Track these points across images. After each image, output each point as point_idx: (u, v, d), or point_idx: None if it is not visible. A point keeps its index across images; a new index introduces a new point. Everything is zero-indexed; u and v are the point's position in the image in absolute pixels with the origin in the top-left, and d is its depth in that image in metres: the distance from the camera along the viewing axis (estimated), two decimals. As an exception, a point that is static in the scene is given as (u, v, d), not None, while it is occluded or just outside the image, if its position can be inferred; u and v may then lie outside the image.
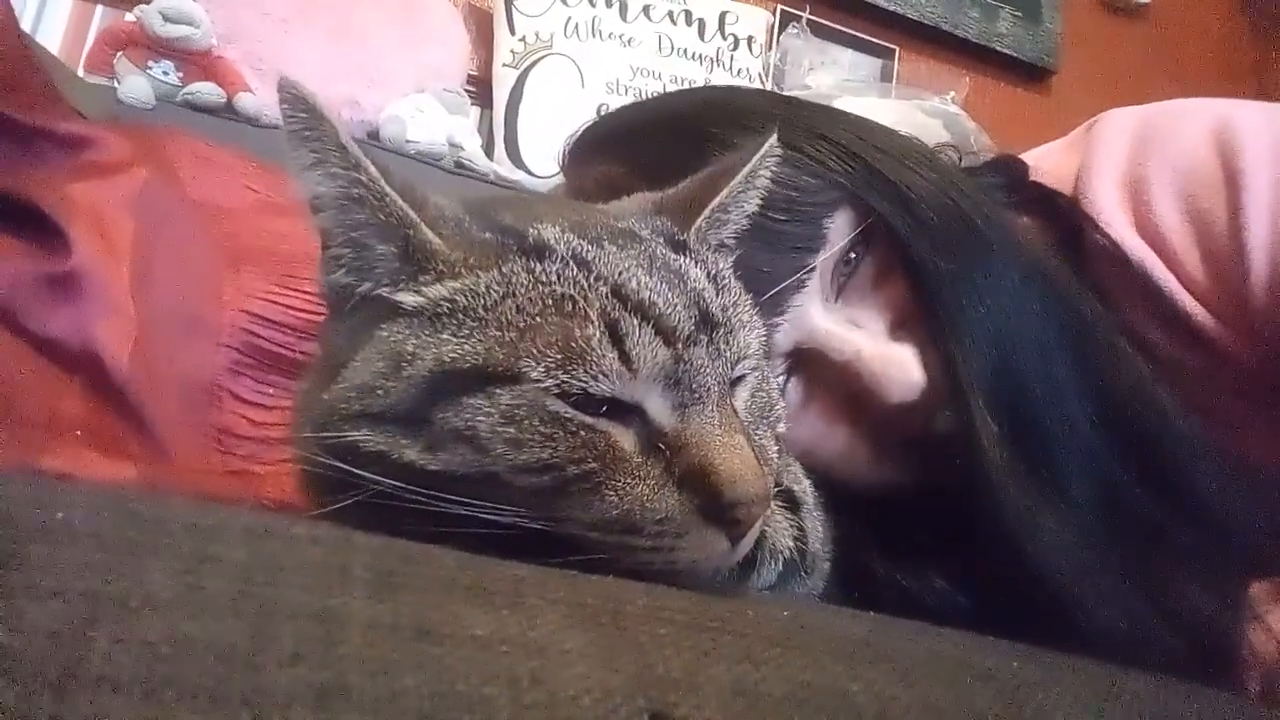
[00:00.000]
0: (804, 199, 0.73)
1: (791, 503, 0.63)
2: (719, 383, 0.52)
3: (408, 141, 2.08)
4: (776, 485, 0.59)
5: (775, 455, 0.59)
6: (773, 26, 2.82)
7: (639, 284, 0.51)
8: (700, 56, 2.62)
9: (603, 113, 0.99)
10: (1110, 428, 0.74)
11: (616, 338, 0.49)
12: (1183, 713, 0.50)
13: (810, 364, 0.76)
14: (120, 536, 0.34)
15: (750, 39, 2.68)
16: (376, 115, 2.12)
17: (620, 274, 0.52)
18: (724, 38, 2.65)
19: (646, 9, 2.57)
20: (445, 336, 0.50)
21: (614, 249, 0.54)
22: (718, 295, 0.55)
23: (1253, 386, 0.84)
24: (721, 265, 0.60)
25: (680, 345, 0.51)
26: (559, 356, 0.48)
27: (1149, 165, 0.85)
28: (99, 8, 2.14)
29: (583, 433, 0.49)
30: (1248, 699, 0.71)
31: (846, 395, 0.77)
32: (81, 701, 0.27)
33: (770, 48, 2.79)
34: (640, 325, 0.50)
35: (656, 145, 0.81)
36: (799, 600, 0.61)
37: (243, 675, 0.29)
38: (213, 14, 1.97)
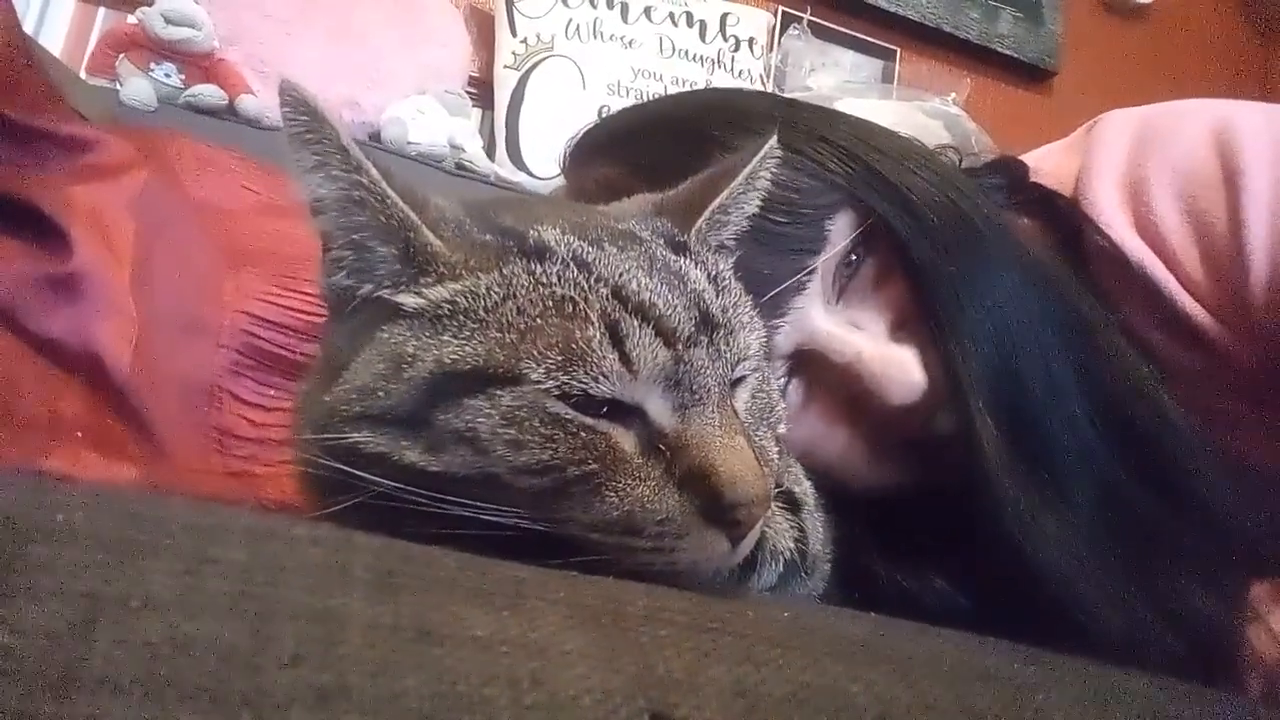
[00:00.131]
0: (804, 201, 0.73)
1: (792, 504, 0.63)
2: (719, 384, 0.52)
3: (409, 143, 2.09)
4: (777, 486, 0.59)
5: (776, 456, 0.59)
6: (774, 28, 2.83)
7: (639, 285, 0.52)
8: (701, 58, 2.62)
9: (604, 114, 0.99)
10: (1110, 428, 0.74)
11: (617, 339, 0.49)
12: (1183, 713, 0.50)
13: (811, 365, 0.76)
14: (120, 537, 0.34)
15: (751, 40, 2.68)
16: (378, 117, 2.12)
17: (620, 275, 0.52)
18: (725, 39, 2.65)
19: (648, 11, 2.57)
20: (446, 338, 0.50)
21: (614, 250, 0.54)
22: (718, 296, 0.55)
23: (1252, 387, 0.84)
24: (722, 266, 0.60)
25: (680, 346, 0.51)
26: (559, 358, 0.48)
27: (1149, 166, 0.85)
28: (101, 10, 2.14)
29: (583, 434, 0.49)
30: (1249, 700, 0.71)
31: (847, 397, 0.77)
32: (82, 702, 0.27)
33: (771, 49, 2.79)
34: (640, 326, 0.50)
35: (657, 147, 0.81)
36: (799, 601, 0.61)
37: (243, 676, 0.29)
38: (214, 16, 1.97)
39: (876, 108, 2.46)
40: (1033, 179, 0.95)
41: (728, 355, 0.53)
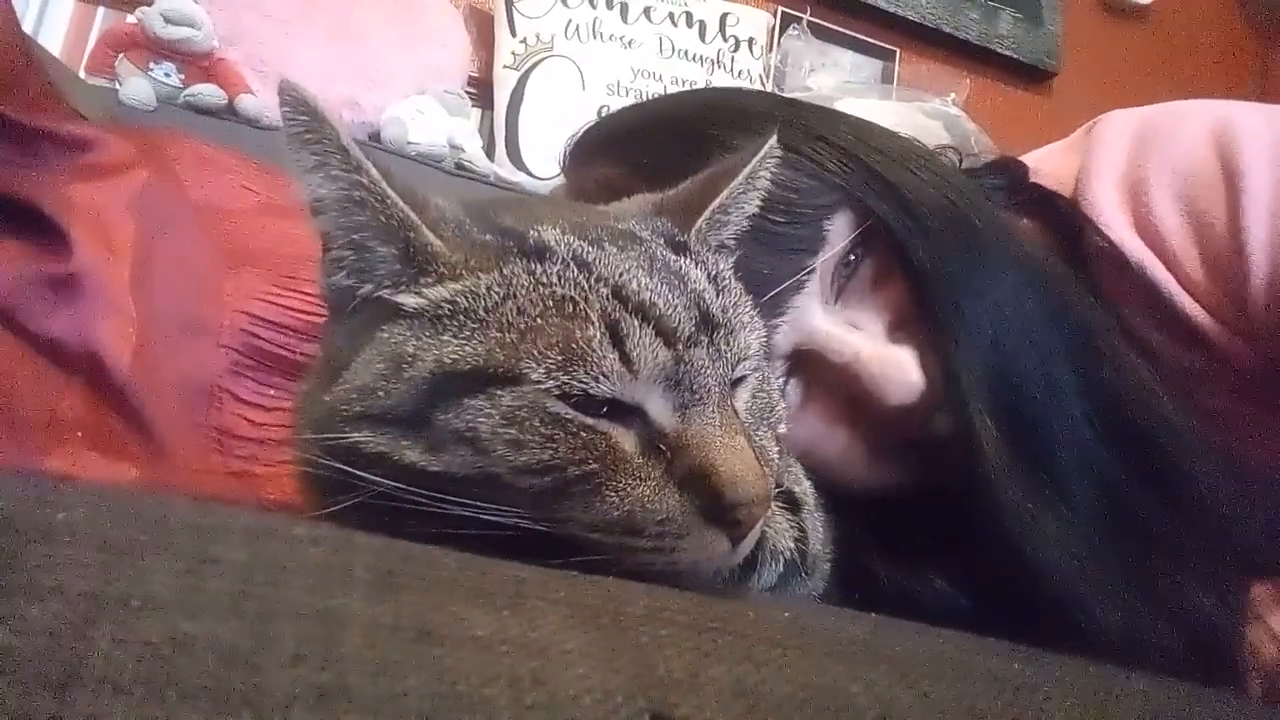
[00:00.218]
0: (803, 201, 0.73)
1: (792, 504, 0.63)
2: (719, 383, 0.52)
3: (408, 143, 2.09)
4: (777, 486, 0.59)
5: (776, 456, 0.59)
6: (773, 28, 2.82)
7: (639, 285, 0.52)
8: (701, 58, 2.62)
9: (604, 114, 0.99)
10: (1109, 429, 0.74)
11: (617, 339, 0.49)
12: (1183, 713, 0.50)
13: (809, 365, 0.76)
14: (121, 537, 0.34)
15: (751, 41, 2.68)
16: (377, 117, 2.12)
17: (621, 275, 0.52)
18: (724, 39, 2.65)
19: (647, 11, 2.57)
20: (446, 338, 0.50)
21: (614, 250, 0.54)
22: (718, 296, 0.55)
23: (1252, 387, 0.84)
24: (722, 266, 0.60)
25: (681, 346, 0.51)
26: (560, 358, 0.48)
27: (1149, 167, 0.85)
28: (100, 10, 2.14)
29: (583, 434, 0.49)
30: (1249, 700, 0.71)
31: (846, 397, 0.77)
32: (82, 702, 0.27)
33: (771, 49, 2.79)
34: (641, 326, 0.50)
35: (656, 147, 0.81)
36: (799, 601, 0.61)
37: (244, 676, 0.29)
38: (214, 16, 1.97)
39: (876, 108, 2.46)
40: (1032, 179, 0.95)
41: (728, 355, 0.53)
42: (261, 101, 1.93)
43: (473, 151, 2.21)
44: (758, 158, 0.63)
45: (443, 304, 0.51)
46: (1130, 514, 0.73)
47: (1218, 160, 0.81)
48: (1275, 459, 0.83)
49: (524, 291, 0.50)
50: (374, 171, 0.51)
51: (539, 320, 0.49)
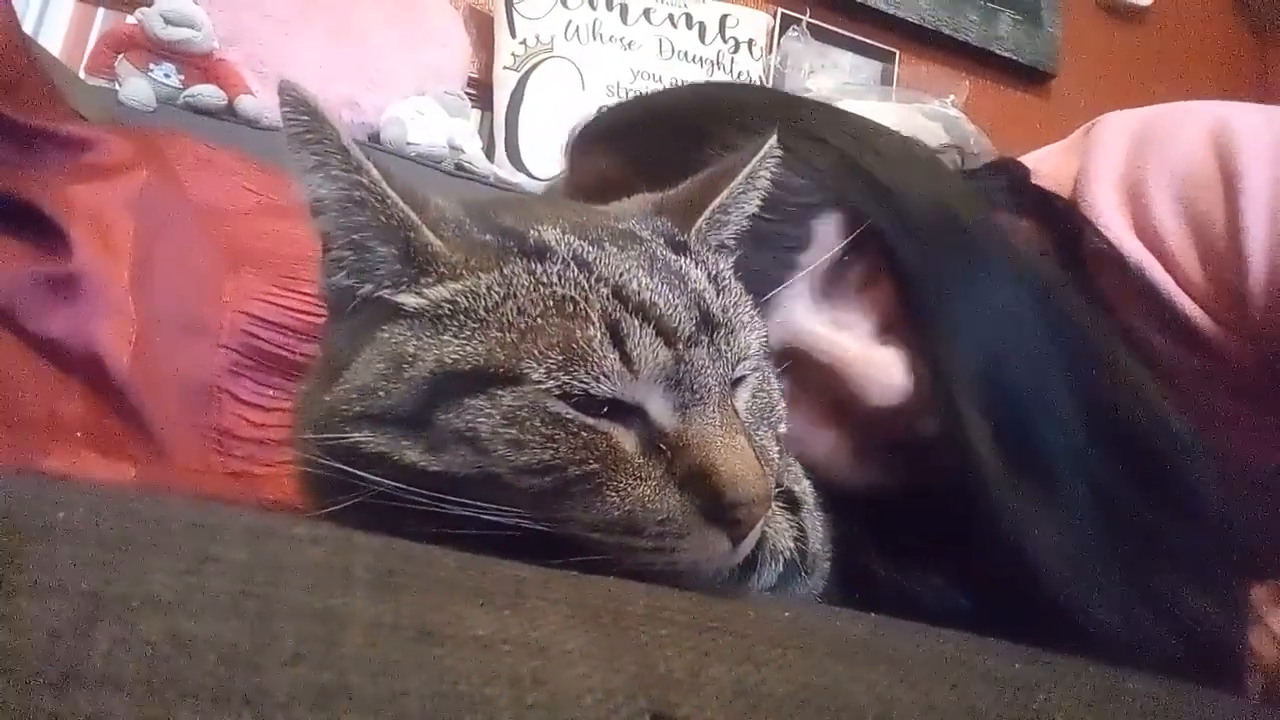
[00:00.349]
0: (791, 199, 0.73)
1: (792, 503, 0.63)
2: (720, 383, 0.52)
3: (408, 144, 2.09)
4: (777, 486, 0.59)
5: (776, 456, 0.59)
6: (773, 30, 2.82)
7: (640, 285, 0.52)
8: (701, 59, 2.62)
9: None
10: (1104, 432, 0.74)
11: (617, 339, 0.49)
12: (1183, 713, 0.50)
13: (796, 365, 0.76)
14: (121, 536, 0.34)
15: (750, 42, 2.68)
16: (377, 117, 2.12)
17: (621, 275, 0.52)
18: (724, 41, 2.65)
19: (647, 12, 2.57)
20: (446, 338, 0.50)
21: (615, 250, 0.54)
22: (718, 296, 0.55)
23: (1252, 387, 0.84)
24: (722, 266, 0.60)
25: (681, 346, 0.51)
26: (560, 358, 0.48)
27: (1147, 168, 0.85)
28: (100, 10, 2.14)
29: (584, 434, 0.49)
30: (1249, 700, 0.71)
31: (832, 398, 0.77)
32: (82, 700, 0.27)
33: (770, 51, 2.79)
34: (641, 326, 0.50)
35: (654, 142, 0.81)
36: (799, 601, 0.61)
37: (244, 675, 0.29)
38: (214, 17, 1.97)
39: (876, 109, 2.46)
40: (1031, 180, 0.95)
41: (728, 355, 0.53)
42: (261, 102, 1.93)
43: (472, 152, 2.21)
44: (758, 158, 0.63)
45: (443, 304, 0.51)
46: (1127, 517, 0.73)
47: (1216, 161, 0.81)
48: (1274, 459, 0.83)
49: (524, 291, 0.50)
50: (374, 171, 0.51)
51: (539, 320, 0.49)
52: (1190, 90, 0.97)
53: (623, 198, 0.67)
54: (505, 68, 2.43)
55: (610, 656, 0.36)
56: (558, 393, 0.48)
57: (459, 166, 2.17)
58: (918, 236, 0.74)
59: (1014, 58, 3.22)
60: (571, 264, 0.51)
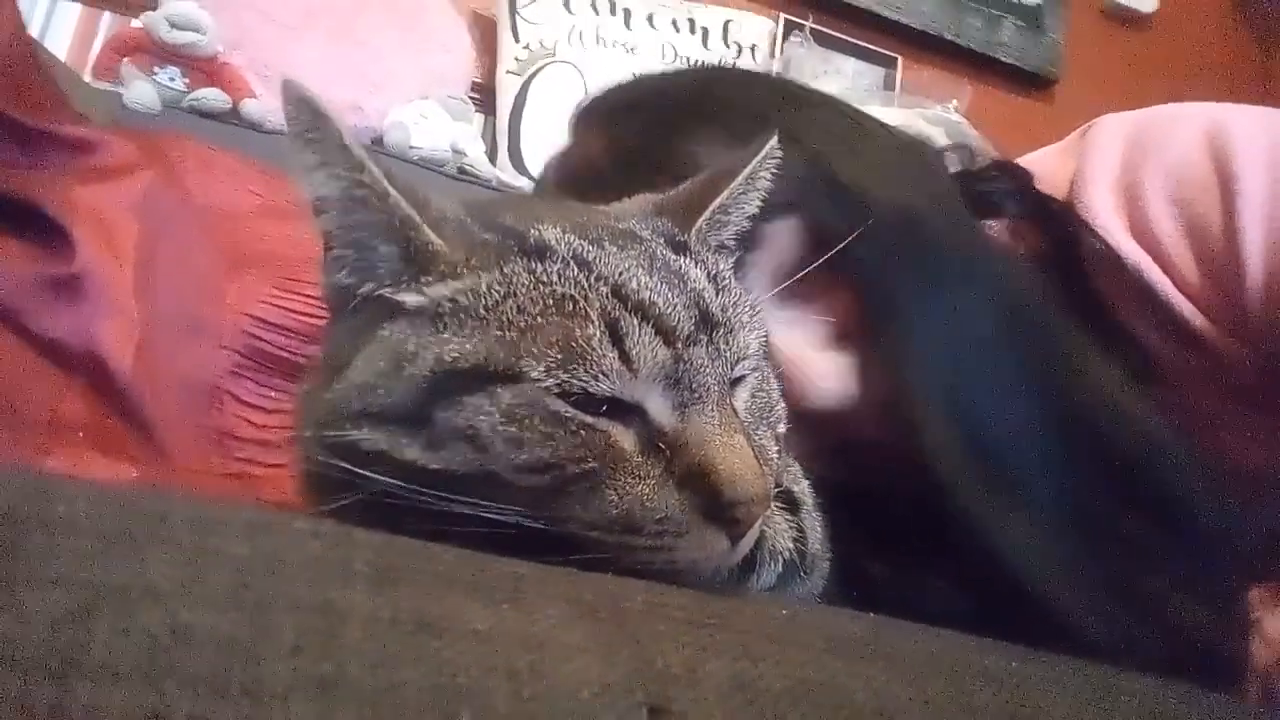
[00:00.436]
0: None
1: (791, 503, 0.63)
2: (719, 382, 0.52)
3: (411, 148, 2.09)
4: (776, 486, 0.59)
5: (775, 455, 0.59)
6: (775, 35, 2.83)
7: (639, 284, 0.52)
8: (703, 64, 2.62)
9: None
10: (1074, 439, 0.74)
11: (617, 337, 0.49)
12: (1182, 713, 0.50)
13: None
14: (121, 529, 0.34)
15: (753, 47, 2.69)
16: (380, 121, 2.12)
17: (621, 274, 0.52)
18: (727, 45, 2.66)
19: (650, 17, 2.58)
20: (447, 336, 0.51)
21: (614, 249, 0.54)
22: (718, 295, 0.55)
23: (1249, 389, 0.84)
24: (721, 266, 0.60)
25: (680, 345, 0.51)
26: (559, 356, 0.48)
27: (1143, 170, 0.85)
28: (106, 14, 2.15)
29: (583, 432, 0.49)
30: (1246, 702, 0.71)
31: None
32: (82, 690, 0.27)
33: (773, 56, 2.79)
34: (640, 325, 0.50)
35: (633, 131, 0.82)
36: (797, 600, 0.61)
37: (243, 666, 0.29)
38: (218, 21, 1.98)
39: (878, 115, 2.45)
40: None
41: (727, 354, 0.53)
42: (265, 106, 1.94)
43: (475, 156, 2.22)
44: (758, 158, 0.63)
45: (443, 302, 0.51)
46: (1103, 521, 0.73)
47: (1212, 163, 0.81)
48: (1271, 461, 0.83)
49: (524, 290, 0.51)
50: (376, 170, 0.52)
51: (539, 318, 0.50)
52: (1193, 96, 0.97)
53: (602, 182, 0.68)
54: (508, 72, 2.43)
55: (608, 651, 0.36)
56: (557, 391, 0.48)
57: (462, 170, 2.17)
58: (877, 243, 0.73)
59: (1017, 63, 3.22)
60: (571, 263, 0.52)
